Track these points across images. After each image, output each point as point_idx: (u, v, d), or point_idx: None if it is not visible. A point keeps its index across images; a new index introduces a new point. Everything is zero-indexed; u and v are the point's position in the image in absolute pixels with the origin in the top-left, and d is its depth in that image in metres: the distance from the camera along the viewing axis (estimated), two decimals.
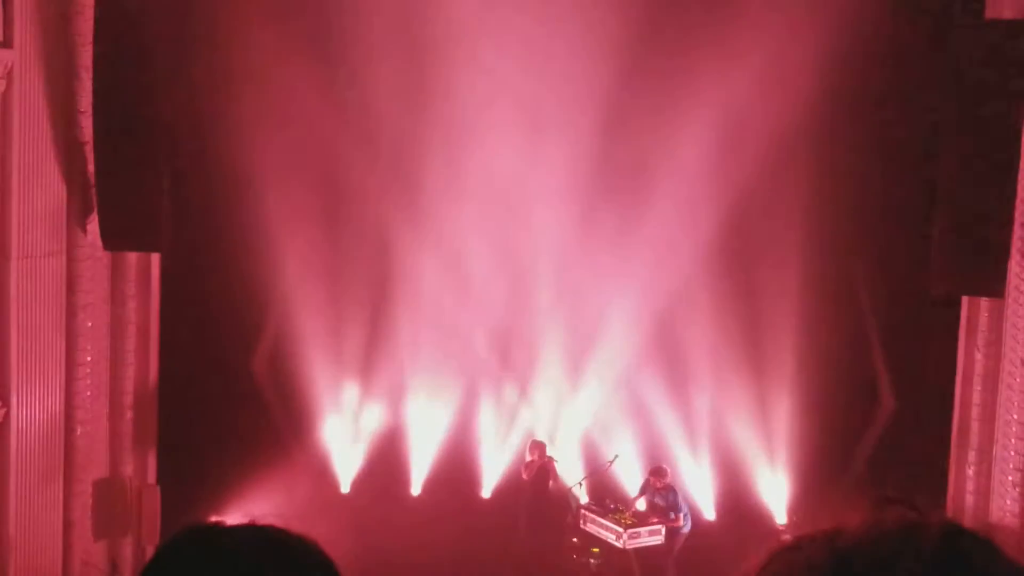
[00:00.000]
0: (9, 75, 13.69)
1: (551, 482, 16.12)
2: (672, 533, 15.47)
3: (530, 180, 16.08)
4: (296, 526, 2.22)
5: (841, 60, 14.32)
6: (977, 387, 14.21)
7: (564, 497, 16.12)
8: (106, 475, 15.56)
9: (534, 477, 16.04)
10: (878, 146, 14.98)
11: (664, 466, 15.79)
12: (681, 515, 15.47)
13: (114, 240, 14.77)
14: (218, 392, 16.12)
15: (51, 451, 14.56)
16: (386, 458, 16.88)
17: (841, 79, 14.55)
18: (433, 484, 16.89)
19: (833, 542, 1.66)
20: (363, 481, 16.88)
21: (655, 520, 15.46)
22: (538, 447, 16.22)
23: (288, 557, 2.17)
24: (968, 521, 1.68)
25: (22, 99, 13.83)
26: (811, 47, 14.36)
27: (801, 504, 15.96)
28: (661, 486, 15.58)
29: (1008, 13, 13.58)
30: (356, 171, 15.87)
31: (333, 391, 16.88)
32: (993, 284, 13.50)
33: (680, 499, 15.59)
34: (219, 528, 2.25)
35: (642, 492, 15.80)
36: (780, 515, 16.15)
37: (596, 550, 15.73)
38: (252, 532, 2.21)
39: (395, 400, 17.00)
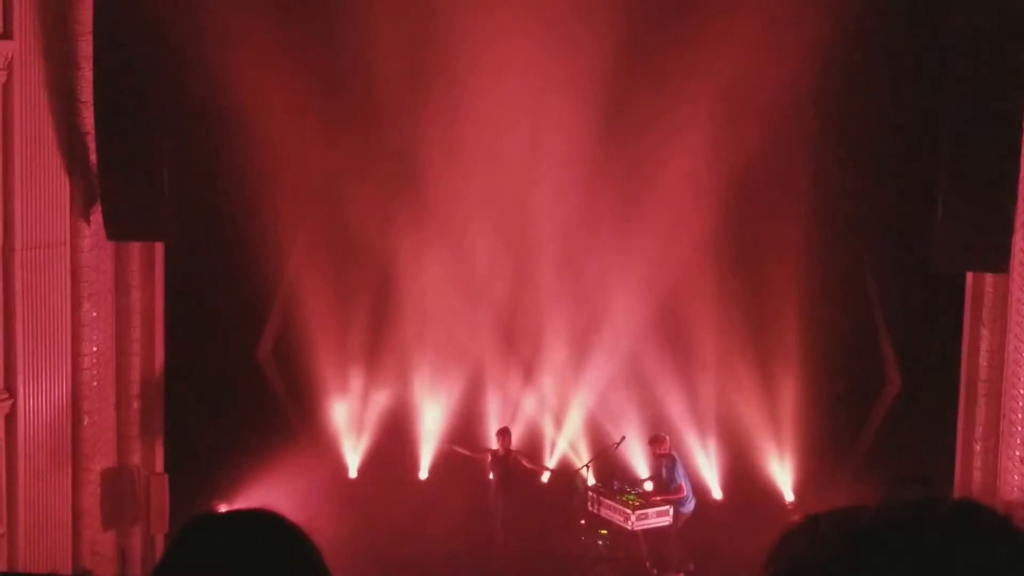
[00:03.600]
0: (9, 66, 13.69)
1: (519, 474, 15.89)
2: (677, 511, 15.46)
3: (533, 161, 16.07)
4: (305, 512, 2.25)
5: (842, 34, 14.27)
6: (983, 363, 14.20)
7: (533, 487, 16.06)
8: (114, 464, 15.59)
9: (497, 468, 15.88)
10: (881, 121, 14.93)
11: (662, 434, 15.79)
12: (675, 485, 15.44)
13: (118, 230, 14.79)
14: (224, 379, 16.11)
15: (59, 441, 14.60)
16: (393, 442, 16.89)
17: (843, 53, 14.50)
18: (440, 467, 16.90)
19: (851, 521, 1.67)
20: (371, 466, 16.90)
21: (660, 499, 15.46)
22: (502, 436, 16.03)
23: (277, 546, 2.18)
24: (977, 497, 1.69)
25: (23, 90, 13.83)
26: (813, 22, 14.32)
27: (808, 482, 15.95)
28: (662, 452, 15.58)
29: None
30: (359, 156, 15.85)
31: (339, 376, 16.88)
32: (997, 260, 13.48)
33: (677, 469, 15.57)
34: (225, 517, 2.26)
35: (650, 466, 15.84)
36: (787, 493, 16.16)
37: (604, 532, 15.76)
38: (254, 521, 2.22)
39: (401, 384, 17.01)
